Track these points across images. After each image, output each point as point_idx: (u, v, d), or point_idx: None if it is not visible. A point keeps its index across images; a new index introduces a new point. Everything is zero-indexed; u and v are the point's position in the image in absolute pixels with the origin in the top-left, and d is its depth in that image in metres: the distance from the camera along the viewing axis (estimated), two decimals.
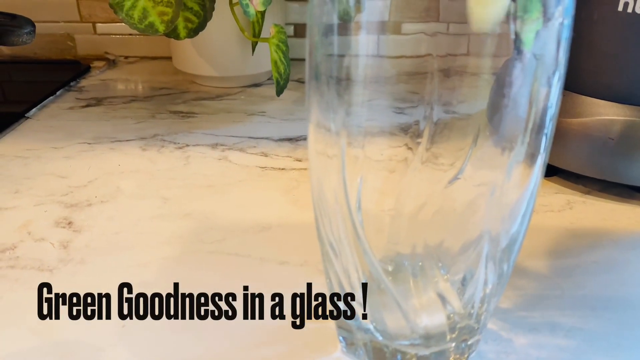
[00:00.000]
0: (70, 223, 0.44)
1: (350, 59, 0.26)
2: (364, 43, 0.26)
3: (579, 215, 0.45)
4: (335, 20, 0.26)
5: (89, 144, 0.58)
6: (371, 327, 0.29)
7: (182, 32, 0.60)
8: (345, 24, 0.26)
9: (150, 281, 0.38)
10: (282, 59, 0.61)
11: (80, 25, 0.83)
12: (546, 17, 0.24)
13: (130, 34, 0.83)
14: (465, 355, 0.30)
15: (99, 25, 0.83)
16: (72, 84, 0.74)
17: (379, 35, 0.27)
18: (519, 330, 0.34)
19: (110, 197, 0.48)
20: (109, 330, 0.34)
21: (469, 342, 0.29)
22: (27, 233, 0.43)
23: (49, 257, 0.40)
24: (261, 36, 0.65)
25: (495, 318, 0.34)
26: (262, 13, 0.63)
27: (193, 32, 0.60)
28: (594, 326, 0.34)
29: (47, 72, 0.78)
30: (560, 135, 0.47)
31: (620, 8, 0.43)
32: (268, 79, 0.75)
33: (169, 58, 0.80)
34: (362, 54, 0.27)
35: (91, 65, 0.82)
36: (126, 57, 0.84)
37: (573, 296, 0.37)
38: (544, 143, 0.28)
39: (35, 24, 0.74)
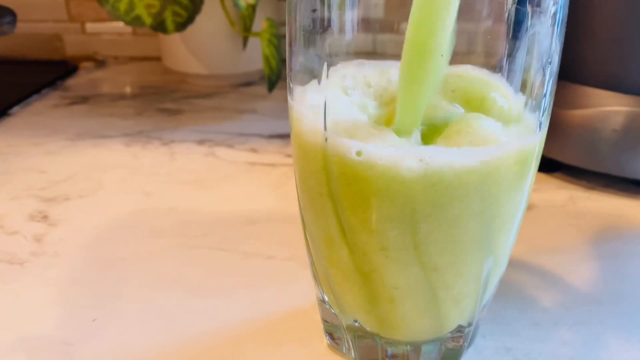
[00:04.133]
0: (45, 217, 0.42)
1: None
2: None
3: (583, 210, 0.43)
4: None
5: (72, 140, 0.55)
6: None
7: (170, 25, 0.58)
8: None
9: (128, 276, 0.36)
10: (274, 53, 0.59)
11: (69, 25, 0.81)
12: (540, 4, 0.23)
13: (120, 34, 0.81)
14: (459, 347, 0.28)
15: (88, 25, 0.81)
16: (58, 83, 0.72)
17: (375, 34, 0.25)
18: (519, 325, 0.31)
19: (90, 191, 0.46)
20: (80, 325, 0.32)
21: (464, 332, 0.27)
22: None
23: (20, 251, 0.38)
24: (252, 32, 0.63)
25: (495, 313, 0.32)
26: (253, 8, 0.61)
27: (181, 26, 0.58)
28: (599, 321, 0.32)
29: (33, 72, 0.76)
30: (562, 128, 0.45)
31: None
32: (260, 78, 0.73)
33: (159, 59, 0.78)
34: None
35: (79, 65, 0.80)
36: (115, 58, 0.82)
37: (577, 290, 0.34)
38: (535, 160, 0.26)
39: (23, 23, 0.72)
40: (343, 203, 0.24)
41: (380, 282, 0.25)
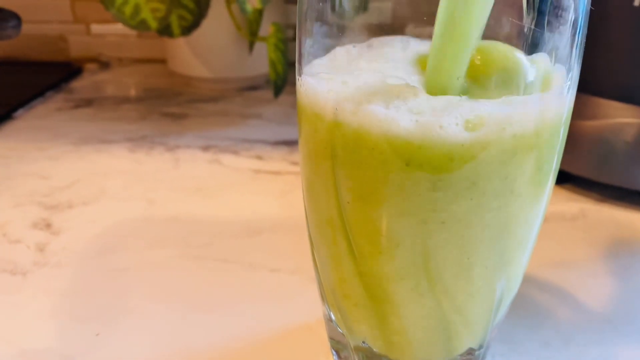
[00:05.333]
0: (48, 225, 0.41)
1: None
2: None
3: (594, 224, 0.42)
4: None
5: (75, 144, 0.55)
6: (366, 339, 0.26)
7: (176, 29, 0.57)
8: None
9: (131, 288, 0.35)
10: (280, 58, 0.58)
11: (73, 27, 0.80)
12: (559, 12, 0.22)
13: (125, 36, 0.80)
14: None
15: (93, 26, 0.80)
16: (62, 85, 0.72)
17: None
18: (530, 345, 0.31)
19: (93, 198, 0.45)
20: (82, 338, 0.31)
21: (475, 355, 0.26)
22: (2, 235, 0.40)
23: (23, 260, 0.38)
24: (259, 37, 0.63)
25: (504, 332, 0.31)
26: (260, 13, 0.61)
27: (187, 30, 0.58)
28: (610, 340, 0.31)
29: (37, 73, 0.75)
30: (573, 139, 0.44)
31: (637, 3, 0.40)
32: (266, 82, 0.72)
33: (164, 61, 0.77)
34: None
35: (84, 67, 0.79)
36: (120, 60, 0.82)
37: (588, 308, 0.34)
38: (558, 147, 0.25)
39: (28, 24, 0.71)
40: (346, 196, 0.23)
41: (389, 305, 0.24)
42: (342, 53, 0.25)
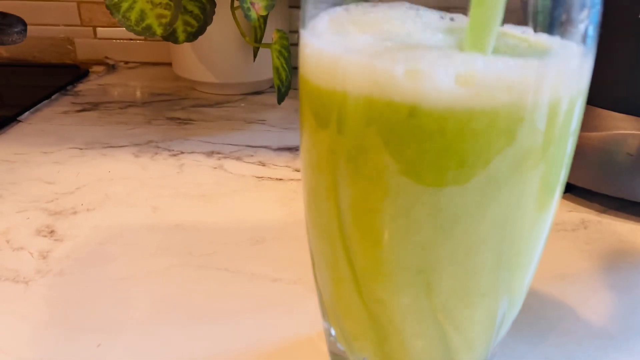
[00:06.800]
0: (52, 232, 0.42)
1: None
2: None
3: (595, 236, 0.42)
4: None
5: (80, 149, 0.55)
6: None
7: (181, 35, 0.58)
8: None
9: (133, 298, 0.35)
10: (284, 65, 0.59)
11: (80, 29, 0.81)
12: (570, 22, 0.22)
13: (131, 39, 0.81)
14: None
15: (99, 29, 0.81)
16: (68, 88, 0.72)
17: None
18: None
19: (97, 204, 0.45)
20: (83, 349, 0.31)
21: None
22: (5, 241, 0.40)
23: (26, 268, 0.38)
24: (263, 43, 0.63)
25: (506, 347, 0.31)
26: (265, 18, 0.61)
27: (192, 36, 0.58)
28: (613, 357, 0.31)
29: (44, 75, 0.76)
30: (576, 150, 0.44)
31: None
32: (270, 87, 0.72)
33: (170, 64, 0.77)
34: None
35: (90, 69, 0.79)
36: (126, 62, 0.82)
37: (589, 323, 0.34)
38: (565, 160, 0.25)
39: (35, 26, 0.72)
40: (347, 189, 0.23)
41: (389, 322, 0.24)
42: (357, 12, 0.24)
